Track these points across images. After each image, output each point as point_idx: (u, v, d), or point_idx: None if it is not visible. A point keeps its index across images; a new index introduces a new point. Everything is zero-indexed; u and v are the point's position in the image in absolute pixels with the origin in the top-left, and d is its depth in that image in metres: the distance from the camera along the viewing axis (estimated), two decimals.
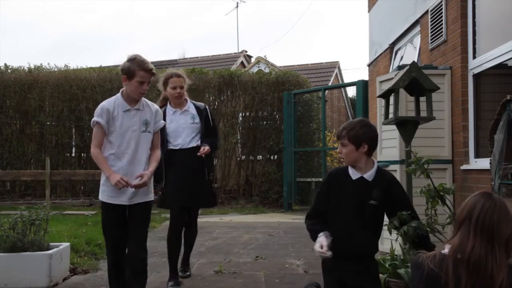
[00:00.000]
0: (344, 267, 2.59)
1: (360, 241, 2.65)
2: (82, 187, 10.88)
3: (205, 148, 4.02)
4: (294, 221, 8.22)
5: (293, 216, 8.92)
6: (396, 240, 2.96)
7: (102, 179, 3.21)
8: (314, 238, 2.67)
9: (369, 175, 2.69)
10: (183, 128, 4.09)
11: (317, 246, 2.57)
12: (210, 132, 4.20)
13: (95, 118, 3.15)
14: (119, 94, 3.22)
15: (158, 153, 3.28)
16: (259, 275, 4.35)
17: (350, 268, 2.59)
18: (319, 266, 4.63)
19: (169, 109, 4.13)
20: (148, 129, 3.24)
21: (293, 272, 4.49)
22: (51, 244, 4.10)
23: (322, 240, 2.57)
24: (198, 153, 3.97)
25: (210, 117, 4.24)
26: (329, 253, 2.53)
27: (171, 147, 4.07)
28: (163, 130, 3.81)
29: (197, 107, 4.21)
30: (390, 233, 2.78)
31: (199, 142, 4.09)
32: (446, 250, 1.81)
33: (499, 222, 1.76)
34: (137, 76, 3.08)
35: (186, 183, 4.02)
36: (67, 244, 4.37)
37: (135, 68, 3.08)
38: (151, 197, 3.30)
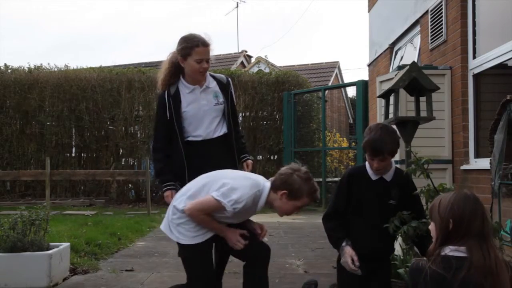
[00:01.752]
0: (361, 267, 2.59)
1: (379, 241, 2.65)
2: (82, 187, 10.89)
3: (249, 164, 3.31)
4: (294, 221, 8.22)
5: (293, 216, 8.90)
6: (396, 240, 2.96)
7: (182, 219, 2.62)
8: (336, 245, 2.65)
9: (388, 175, 2.69)
10: (205, 112, 3.06)
11: (348, 260, 2.53)
12: (231, 114, 3.20)
13: (229, 206, 2.51)
14: (261, 195, 2.60)
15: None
16: None
17: (367, 267, 2.59)
18: (319, 266, 4.66)
19: (184, 86, 3.08)
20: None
21: (293, 272, 4.49)
22: (51, 244, 4.10)
23: (352, 253, 2.54)
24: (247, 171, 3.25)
25: (233, 93, 3.24)
26: (359, 271, 2.52)
27: (191, 139, 3.07)
28: (179, 117, 3.04)
29: (218, 81, 3.16)
30: (391, 233, 2.79)
31: (225, 129, 3.14)
32: (448, 251, 1.81)
33: (488, 221, 1.85)
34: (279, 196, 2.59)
35: None
36: (67, 244, 4.37)
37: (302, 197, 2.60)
38: None
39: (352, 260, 2.53)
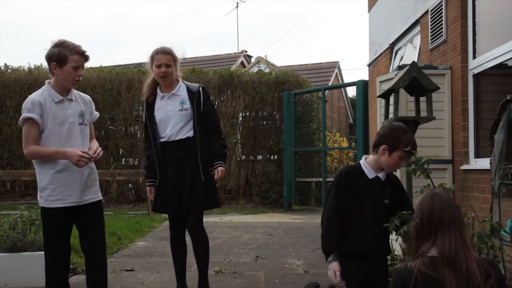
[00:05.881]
0: (361, 267, 2.59)
1: (376, 241, 2.65)
2: None
3: (219, 171, 3.43)
4: (294, 221, 8.22)
5: (293, 216, 8.92)
6: (396, 240, 2.96)
7: (44, 181, 2.87)
8: (325, 253, 2.69)
9: (382, 174, 2.71)
10: (170, 116, 3.46)
11: (331, 274, 2.58)
12: (203, 120, 3.48)
13: (25, 114, 2.79)
14: (46, 86, 2.90)
15: (96, 142, 3.09)
16: (259, 275, 4.34)
17: (366, 267, 2.60)
18: (319, 266, 4.65)
19: (158, 94, 3.54)
20: (85, 121, 3.00)
21: (293, 272, 4.49)
22: None
23: (336, 267, 2.57)
24: (215, 178, 3.45)
25: (201, 100, 3.49)
26: (343, 284, 2.55)
27: (162, 140, 3.49)
28: (152, 120, 3.49)
29: (189, 90, 3.51)
30: (391, 233, 2.79)
31: (190, 133, 3.45)
32: (434, 253, 1.82)
33: (459, 212, 1.90)
34: (70, 61, 2.81)
35: (174, 184, 3.44)
36: None
37: (67, 52, 2.81)
38: (101, 196, 3.08)
39: (336, 275, 2.56)
